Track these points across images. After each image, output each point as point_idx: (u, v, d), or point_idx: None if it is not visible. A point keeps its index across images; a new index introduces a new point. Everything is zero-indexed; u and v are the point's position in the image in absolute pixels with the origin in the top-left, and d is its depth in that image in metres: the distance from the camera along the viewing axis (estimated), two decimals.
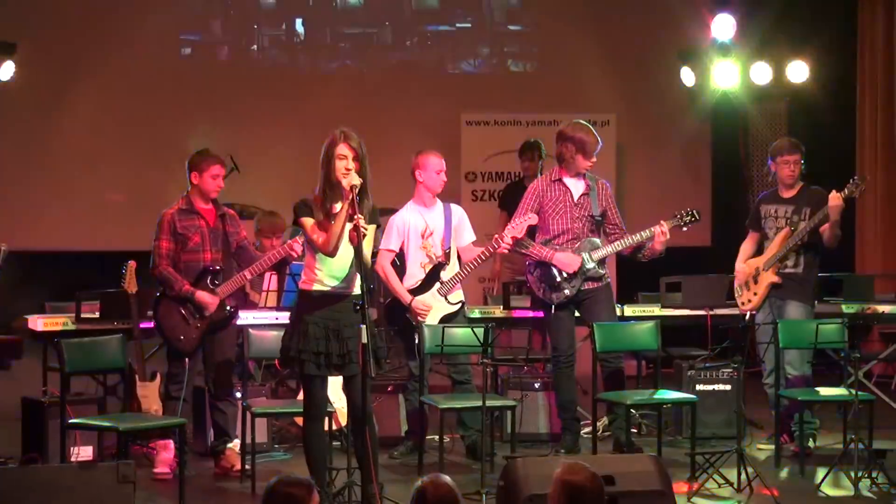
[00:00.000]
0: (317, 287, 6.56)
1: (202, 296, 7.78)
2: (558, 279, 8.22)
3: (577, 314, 8.37)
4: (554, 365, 8.41)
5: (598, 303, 8.29)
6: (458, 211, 8.39)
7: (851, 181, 8.33)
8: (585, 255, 8.20)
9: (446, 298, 8.20)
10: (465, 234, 8.34)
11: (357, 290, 6.52)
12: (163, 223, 7.85)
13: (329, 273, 6.53)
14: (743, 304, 8.59)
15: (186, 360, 7.82)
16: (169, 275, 7.79)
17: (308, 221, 6.54)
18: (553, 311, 8.27)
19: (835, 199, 8.17)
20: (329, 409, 6.97)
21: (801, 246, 8.36)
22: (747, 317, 8.54)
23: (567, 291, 8.22)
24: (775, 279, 8.41)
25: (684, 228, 8.34)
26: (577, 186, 8.31)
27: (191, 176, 7.90)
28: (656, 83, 12.66)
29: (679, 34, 12.49)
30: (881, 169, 11.77)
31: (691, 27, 12.35)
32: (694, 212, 8.30)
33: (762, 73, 12.02)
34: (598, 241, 8.31)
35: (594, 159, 8.29)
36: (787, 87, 12.10)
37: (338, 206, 6.47)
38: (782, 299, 8.43)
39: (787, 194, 8.50)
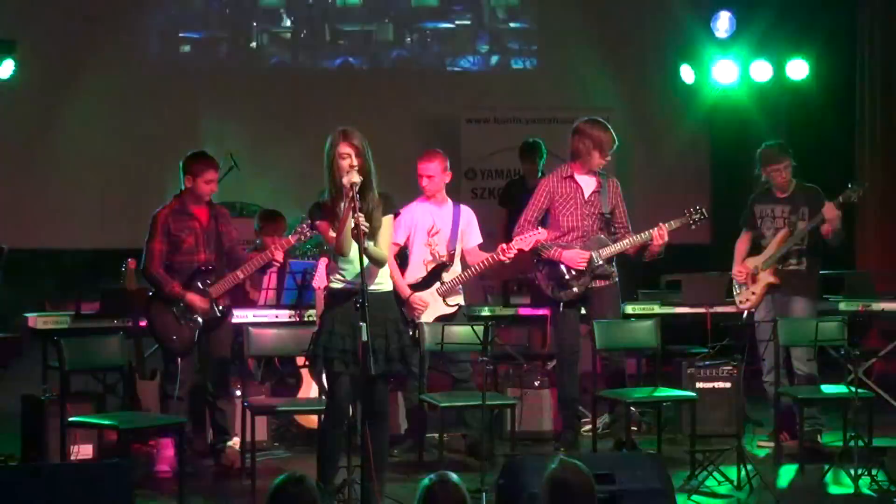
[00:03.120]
0: (339, 285, 6.62)
1: (192, 298, 7.77)
2: (567, 277, 8.22)
3: (582, 311, 8.37)
4: (558, 362, 8.41)
5: (605, 301, 8.29)
6: (466, 213, 8.40)
7: (849, 187, 8.32)
8: (594, 253, 8.20)
9: (444, 299, 8.20)
10: (472, 237, 8.35)
11: (384, 286, 6.62)
12: (156, 224, 7.82)
13: (350, 270, 6.57)
14: (741, 302, 8.60)
15: (179, 359, 7.81)
16: (159, 276, 7.77)
17: (321, 224, 6.61)
18: (560, 309, 8.27)
19: (830, 211, 8.19)
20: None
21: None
22: (745, 315, 8.54)
23: (576, 289, 8.22)
24: (773, 280, 8.42)
25: (693, 227, 8.36)
26: (588, 184, 8.31)
27: (185, 179, 7.87)
28: (656, 80, 12.67)
29: (679, 31, 12.49)
30: (881, 166, 11.76)
31: (691, 25, 12.35)
32: (702, 209, 8.32)
33: (762, 70, 12.02)
34: (606, 238, 8.31)
35: (609, 157, 8.30)
36: (786, 85, 12.10)
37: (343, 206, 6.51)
38: (787, 296, 8.43)
39: (783, 194, 8.51)
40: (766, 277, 8.45)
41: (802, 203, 8.44)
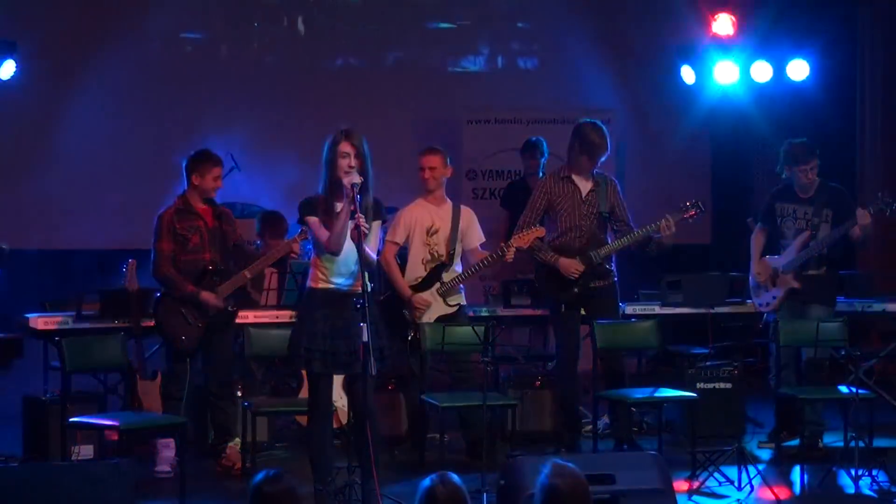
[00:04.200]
0: (323, 285, 6.60)
1: (207, 296, 7.77)
2: (567, 279, 8.22)
3: (582, 312, 8.37)
4: (558, 362, 8.41)
5: (603, 301, 8.29)
6: (467, 213, 8.40)
7: (879, 197, 8.26)
8: (592, 253, 8.20)
9: (444, 299, 8.20)
10: (474, 236, 8.35)
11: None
12: (162, 225, 7.83)
13: (335, 271, 6.57)
14: (761, 304, 8.56)
15: (187, 359, 7.81)
16: (172, 276, 7.78)
17: (313, 220, 6.58)
18: (560, 309, 8.27)
19: (864, 218, 8.11)
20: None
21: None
22: (764, 317, 8.50)
23: (575, 290, 8.22)
24: (795, 284, 8.37)
25: (690, 221, 8.32)
26: (585, 183, 8.31)
27: (192, 178, 7.88)
28: (657, 81, 12.65)
29: (680, 32, 12.47)
30: (881, 167, 11.76)
31: (692, 25, 12.34)
32: (699, 203, 8.28)
33: (762, 71, 12.02)
34: (604, 238, 8.31)
35: (597, 164, 8.29)
36: (787, 86, 12.10)
37: (340, 205, 6.49)
38: (804, 302, 8.40)
39: (805, 194, 8.45)
40: (789, 282, 8.40)
41: (826, 205, 8.38)
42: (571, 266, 8.17)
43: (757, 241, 8.67)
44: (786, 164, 8.48)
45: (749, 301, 8.84)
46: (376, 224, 6.67)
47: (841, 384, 8.13)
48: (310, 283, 6.69)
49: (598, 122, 8.43)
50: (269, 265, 8.09)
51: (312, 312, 6.59)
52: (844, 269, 9.48)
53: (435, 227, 8.26)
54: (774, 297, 8.48)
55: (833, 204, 8.36)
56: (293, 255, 7.91)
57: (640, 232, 8.22)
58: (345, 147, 6.53)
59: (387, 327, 6.91)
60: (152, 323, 8.00)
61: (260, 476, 4.25)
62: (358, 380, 6.52)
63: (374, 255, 6.67)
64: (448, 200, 8.36)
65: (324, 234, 6.54)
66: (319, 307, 6.58)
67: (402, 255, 8.39)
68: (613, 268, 8.37)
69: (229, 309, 7.90)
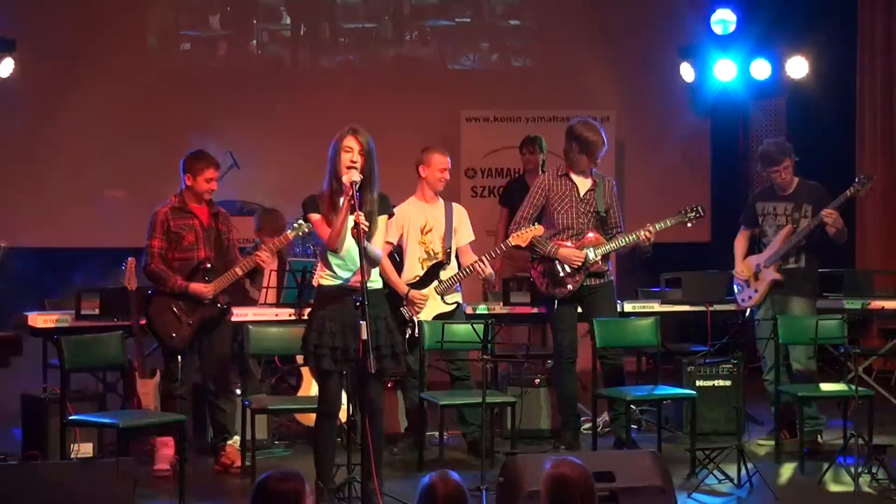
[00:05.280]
0: (331, 281, 6.63)
1: (196, 287, 7.78)
2: (561, 274, 8.23)
3: (579, 310, 8.38)
4: (555, 360, 8.42)
5: (601, 299, 8.30)
6: (458, 210, 8.39)
7: (857, 180, 8.33)
8: (589, 251, 8.21)
9: (442, 298, 8.20)
10: (464, 234, 8.33)
11: (376, 284, 6.64)
12: (156, 222, 7.84)
13: (342, 267, 6.60)
14: (743, 300, 8.60)
15: (180, 357, 7.81)
16: (161, 272, 7.78)
17: (315, 217, 6.60)
18: (556, 307, 8.28)
19: (827, 217, 8.18)
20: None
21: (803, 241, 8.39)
22: (747, 313, 8.54)
23: (570, 286, 8.23)
24: (777, 276, 8.42)
25: (689, 224, 8.35)
26: (583, 182, 8.32)
27: (185, 177, 7.89)
28: (656, 79, 12.65)
29: (679, 30, 12.48)
30: (880, 164, 11.75)
31: (691, 23, 12.34)
32: (698, 207, 8.31)
33: (762, 68, 12.02)
34: (601, 237, 8.31)
35: (598, 161, 8.30)
36: (786, 83, 12.10)
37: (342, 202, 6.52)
38: (785, 295, 8.44)
39: (784, 192, 8.50)
40: (770, 275, 8.44)
41: (805, 200, 8.43)
42: (572, 255, 8.18)
43: (740, 242, 8.73)
44: (761, 167, 8.55)
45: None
46: (382, 219, 6.68)
47: (836, 382, 8.14)
48: (319, 281, 6.72)
49: (588, 119, 8.44)
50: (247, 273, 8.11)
51: (321, 310, 6.63)
52: (838, 265, 9.50)
53: (428, 225, 8.25)
54: (756, 291, 8.51)
55: (812, 199, 8.41)
56: (260, 265, 7.95)
57: (629, 237, 8.23)
58: (348, 142, 6.56)
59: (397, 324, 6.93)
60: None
61: (268, 474, 4.19)
62: (367, 377, 6.52)
63: (379, 251, 6.67)
64: (440, 198, 8.34)
65: (325, 231, 6.56)
66: (328, 304, 6.61)
67: (400, 254, 8.37)
68: (610, 266, 8.37)
69: (220, 306, 7.90)
